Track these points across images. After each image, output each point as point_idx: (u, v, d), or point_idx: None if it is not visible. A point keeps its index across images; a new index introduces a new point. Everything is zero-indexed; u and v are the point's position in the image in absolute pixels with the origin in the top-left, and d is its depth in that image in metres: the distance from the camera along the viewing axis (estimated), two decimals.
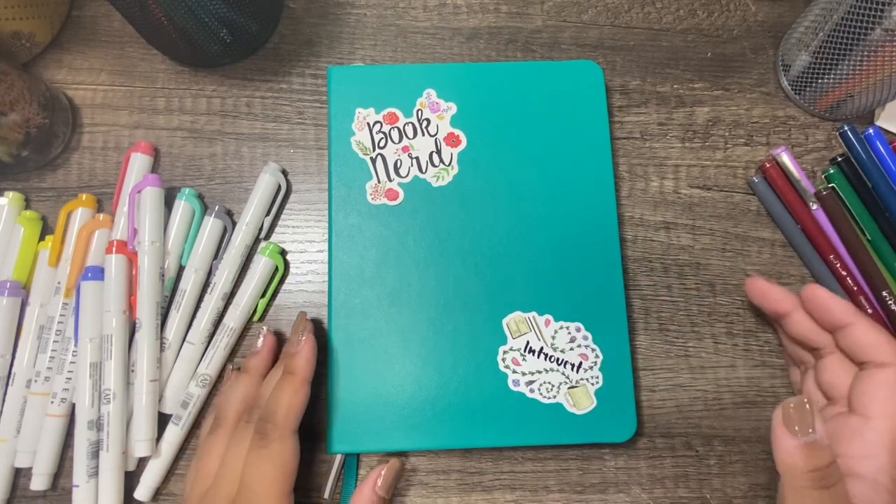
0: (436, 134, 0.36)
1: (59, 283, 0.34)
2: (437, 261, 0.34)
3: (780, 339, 0.35)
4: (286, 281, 0.36)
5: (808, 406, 0.26)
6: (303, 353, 0.30)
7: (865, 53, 0.33)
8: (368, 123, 0.36)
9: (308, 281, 0.36)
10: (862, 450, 0.27)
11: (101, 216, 0.35)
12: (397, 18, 0.40)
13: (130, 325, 0.33)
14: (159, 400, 0.33)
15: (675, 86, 0.40)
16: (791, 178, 0.37)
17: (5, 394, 0.33)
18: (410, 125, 0.36)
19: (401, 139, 0.36)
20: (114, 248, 0.32)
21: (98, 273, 0.32)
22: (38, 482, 0.32)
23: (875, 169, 0.35)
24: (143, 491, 0.32)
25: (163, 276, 0.34)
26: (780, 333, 0.35)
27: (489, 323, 0.33)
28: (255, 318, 0.35)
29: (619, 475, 0.34)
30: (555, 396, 0.33)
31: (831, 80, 0.36)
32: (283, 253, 0.36)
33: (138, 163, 0.36)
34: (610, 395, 0.33)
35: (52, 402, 0.32)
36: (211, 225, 0.35)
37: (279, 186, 0.36)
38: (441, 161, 0.36)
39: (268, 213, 0.36)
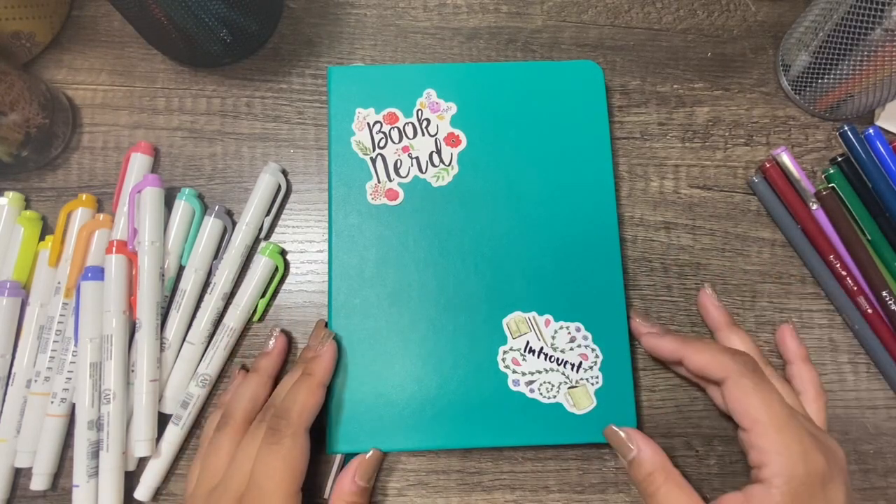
0: (436, 134, 0.36)
1: (59, 283, 0.34)
2: (437, 261, 0.34)
3: None
4: (286, 281, 0.36)
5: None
6: (324, 358, 0.31)
7: (865, 53, 0.33)
8: (368, 123, 0.36)
9: (308, 281, 0.36)
10: (757, 459, 0.27)
11: (101, 216, 0.35)
12: (397, 18, 0.40)
13: (130, 325, 0.33)
14: (159, 400, 0.33)
15: (675, 86, 0.40)
16: (791, 178, 0.37)
17: (5, 394, 0.33)
18: (410, 125, 0.36)
19: (401, 139, 0.36)
20: (114, 248, 0.32)
21: (98, 273, 0.32)
22: (38, 482, 0.32)
23: (875, 169, 0.35)
24: (143, 491, 0.32)
25: (163, 276, 0.34)
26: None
27: (489, 323, 0.33)
28: (255, 318, 0.35)
29: (619, 475, 0.34)
30: (555, 396, 0.33)
31: (831, 80, 0.36)
32: (283, 253, 0.36)
33: (138, 163, 0.36)
34: (610, 395, 0.33)
35: (52, 402, 0.32)
36: (211, 225, 0.35)
37: (279, 186, 0.36)
38: (441, 161, 0.36)
39: (268, 213, 0.36)
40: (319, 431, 0.34)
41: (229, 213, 0.36)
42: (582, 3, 0.41)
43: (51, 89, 0.36)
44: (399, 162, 0.35)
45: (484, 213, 0.35)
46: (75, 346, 0.32)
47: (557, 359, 0.33)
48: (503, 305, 0.34)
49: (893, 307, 0.34)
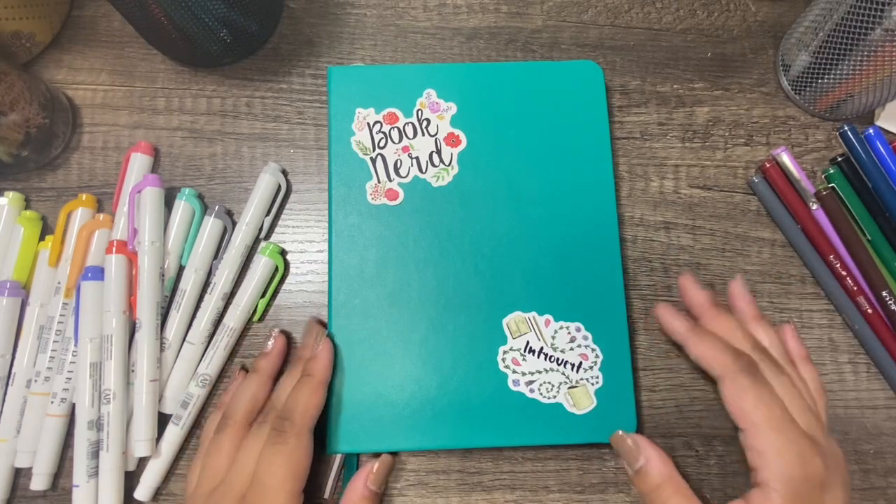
0: (436, 134, 0.36)
1: (59, 283, 0.34)
2: (437, 261, 0.34)
3: None
4: (286, 281, 0.36)
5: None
6: (322, 357, 0.31)
7: (865, 53, 0.33)
8: (368, 123, 0.36)
9: (308, 281, 0.36)
10: (754, 461, 0.27)
11: (101, 216, 0.35)
12: (397, 18, 0.40)
13: (130, 325, 0.33)
14: (159, 400, 0.33)
15: (675, 86, 0.40)
16: (791, 178, 0.37)
17: (5, 394, 0.33)
18: (410, 125, 0.36)
19: (401, 139, 0.36)
20: (114, 248, 0.32)
21: (98, 273, 0.32)
22: (38, 482, 0.32)
23: (875, 169, 0.35)
24: (143, 491, 0.32)
25: (163, 276, 0.34)
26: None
27: (489, 323, 0.33)
28: (255, 318, 0.35)
29: (619, 475, 0.34)
30: (555, 396, 0.33)
31: (831, 80, 0.36)
32: (283, 253, 0.36)
33: (138, 163, 0.36)
34: (610, 395, 0.33)
35: (52, 402, 0.32)
36: (211, 225, 0.35)
37: (279, 186, 0.36)
38: (441, 161, 0.36)
39: (268, 213, 0.36)
40: (320, 429, 0.34)
41: (229, 213, 0.36)
42: (582, 3, 0.41)
43: (51, 89, 0.36)
44: (399, 162, 0.35)
45: (484, 213, 0.35)
46: (75, 346, 0.32)
47: (557, 359, 0.33)
48: (503, 305, 0.34)
49: (893, 307, 0.34)
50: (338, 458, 0.33)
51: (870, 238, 0.35)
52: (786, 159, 0.37)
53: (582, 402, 0.33)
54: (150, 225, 0.33)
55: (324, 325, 0.34)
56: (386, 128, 0.36)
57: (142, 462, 0.33)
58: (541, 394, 0.33)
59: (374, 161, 0.35)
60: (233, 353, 0.34)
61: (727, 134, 0.39)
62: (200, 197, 0.37)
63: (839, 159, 0.37)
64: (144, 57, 0.39)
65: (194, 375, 0.33)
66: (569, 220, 0.35)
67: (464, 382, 0.33)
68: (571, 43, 0.40)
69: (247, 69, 0.39)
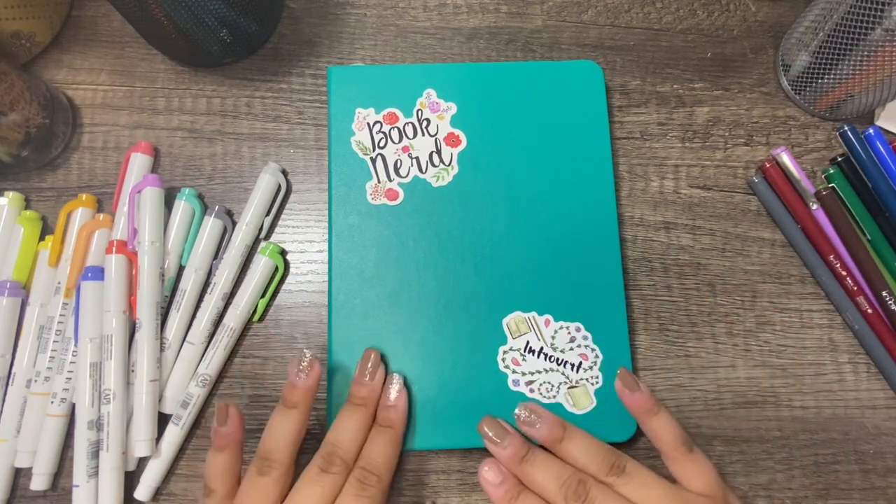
0: (436, 134, 0.36)
1: (59, 283, 0.34)
2: (437, 261, 0.34)
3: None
4: (286, 281, 0.36)
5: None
6: (400, 409, 0.31)
7: (865, 53, 0.33)
8: (368, 123, 0.36)
9: (308, 281, 0.36)
10: None
11: (101, 216, 0.35)
12: (397, 18, 0.40)
13: (130, 325, 0.33)
14: (159, 400, 0.33)
15: (675, 86, 0.40)
16: (791, 178, 0.37)
17: (5, 394, 0.33)
18: (410, 125, 0.36)
19: (401, 139, 0.36)
20: (114, 248, 0.32)
21: (98, 273, 0.32)
22: (38, 482, 0.32)
23: (875, 169, 0.35)
24: (143, 491, 0.32)
25: (163, 276, 0.34)
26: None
27: (489, 323, 0.34)
28: (255, 318, 0.35)
29: None
30: (555, 396, 0.33)
31: (831, 80, 0.36)
32: (283, 253, 0.36)
33: (138, 163, 0.36)
34: (610, 395, 0.33)
35: (52, 402, 0.32)
36: (211, 225, 0.35)
37: (279, 186, 0.36)
38: (441, 161, 0.36)
39: (268, 213, 0.36)
40: (319, 432, 0.34)
41: (229, 213, 0.36)
42: (582, 3, 0.41)
43: (51, 89, 0.36)
44: (399, 162, 0.36)
45: (484, 213, 0.35)
46: (75, 346, 0.32)
47: (557, 359, 0.33)
48: (503, 305, 0.34)
49: (893, 307, 0.34)
50: None
51: (870, 238, 0.35)
52: (786, 159, 0.37)
53: (582, 402, 0.33)
54: (150, 225, 0.33)
55: (316, 320, 0.33)
56: (386, 128, 0.36)
57: (142, 462, 0.33)
58: (541, 394, 0.33)
59: (374, 161, 0.35)
60: (233, 354, 0.34)
61: (727, 134, 0.39)
62: (200, 197, 0.37)
63: (839, 159, 0.37)
64: (144, 57, 0.39)
65: (194, 375, 0.33)
66: (569, 220, 0.35)
67: (464, 382, 0.33)
68: (571, 43, 0.40)
69: (247, 69, 0.39)
